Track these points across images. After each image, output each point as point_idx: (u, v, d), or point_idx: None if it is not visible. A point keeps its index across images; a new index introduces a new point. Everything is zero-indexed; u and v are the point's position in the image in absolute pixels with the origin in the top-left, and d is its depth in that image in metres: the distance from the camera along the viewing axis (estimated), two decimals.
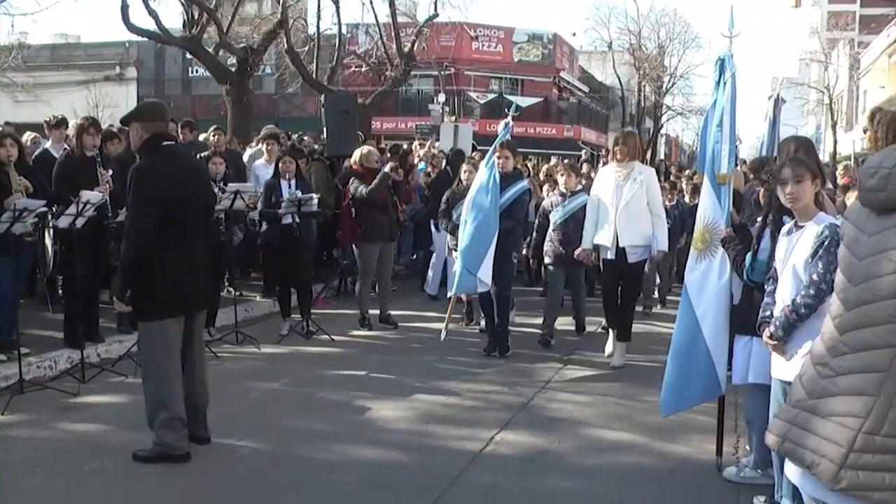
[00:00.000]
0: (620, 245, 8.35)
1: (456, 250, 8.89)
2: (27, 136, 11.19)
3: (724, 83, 5.68)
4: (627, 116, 52.08)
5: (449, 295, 8.96)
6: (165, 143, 5.77)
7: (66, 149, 9.13)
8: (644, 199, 8.38)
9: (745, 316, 5.28)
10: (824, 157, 39.64)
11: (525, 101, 44.57)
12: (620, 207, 8.32)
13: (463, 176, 9.87)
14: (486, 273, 8.34)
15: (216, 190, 9.04)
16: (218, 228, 8.98)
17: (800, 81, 55.61)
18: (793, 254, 4.65)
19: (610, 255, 8.48)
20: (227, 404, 6.75)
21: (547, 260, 9.77)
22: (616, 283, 8.74)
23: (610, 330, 9.02)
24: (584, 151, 28.55)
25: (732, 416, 5.96)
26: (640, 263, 8.70)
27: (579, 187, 9.65)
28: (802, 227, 4.67)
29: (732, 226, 5.59)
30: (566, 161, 10.53)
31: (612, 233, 8.36)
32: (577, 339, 9.86)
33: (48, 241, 8.49)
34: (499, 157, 8.63)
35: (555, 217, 9.49)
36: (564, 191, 9.58)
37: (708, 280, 5.57)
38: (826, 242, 4.43)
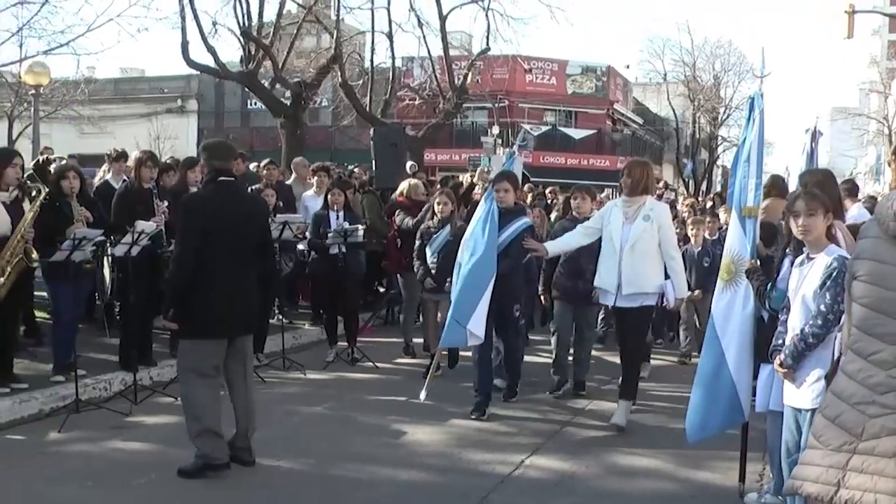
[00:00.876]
0: (623, 293, 7.37)
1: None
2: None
3: (753, 120, 5.93)
4: (682, 148, 51.94)
5: (433, 350, 8.33)
6: (222, 178, 6.15)
7: (125, 180, 9.56)
8: (654, 241, 7.38)
9: (768, 345, 5.43)
10: (885, 188, 39.13)
11: (579, 134, 44.84)
12: (626, 249, 7.35)
13: (437, 207, 9.11)
14: (477, 324, 7.38)
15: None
16: (273, 260, 9.35)
17: (859, 112, 55.01)
18: (803, 284, 4.83)
19: (610, 301, 7.60)
20: (271, 427, 7.06)
21: (554, 293, 8.82)
22: (620, 334, 7.92)
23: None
24: None
25: (762, 444, 6.04)
26: (646, 310, 7.59)
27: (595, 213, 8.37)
28: (814, 258, 4.85)
29: (759, 257, 5.79)
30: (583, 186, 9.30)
31: (616, 277, 7.39)
32: (612, 369, 8.95)
33: (106, 269, 8.89)
34: (497, 191, 7.78)
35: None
36: (577, 216, 8.68)
37: (732, 310, 5.74)
38: (834, 274, 4.60)
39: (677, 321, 10.96)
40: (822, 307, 4.64)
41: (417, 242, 9.26)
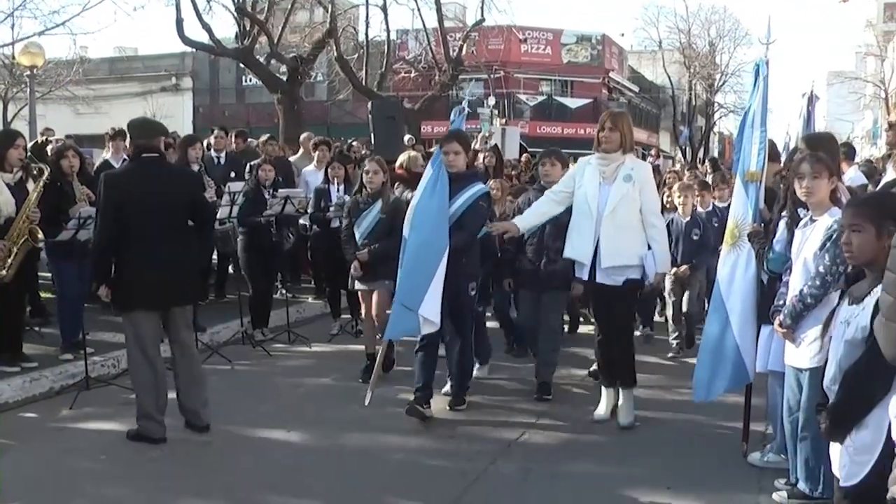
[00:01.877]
0: (603, 266, 6.43)
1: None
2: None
3: (758, 87, 6.00)
4: (679, 115, 51.89)
5: (383, 338, 7.11)
6: (145, 154, 6.33)
7: (124, 159, 9.60)
8: (636, 205, 6.43)
9: (768, 306, 5.48)
10: (881, 151, 39.12)
11: (575, 103, 44.81)
12: (606, 215, 6.39)
13: (366, 178, 7.85)
14: (430, 308, 6.37)
15: (266, 195, 9.53)
16: (269, 232, 9.46)
17: (855, 76, 54.90)
18: (805, 246, 4.91)
19: (585, 274, 6.62)
20: (277, 398, 7.18)
21: (516, 279, 7.70)
22: (603, 313, 6.82)
23: (601, 376, 7.08)
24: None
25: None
26: (632, 285, 6.58)
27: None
28: (816, 220, 4.92)
29: (763, 222, 5.86)
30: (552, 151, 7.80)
31: (591, 248, 6.46)
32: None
33: None
34: (446, 153, 6.68)
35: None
36: (545, 184, 7.31)
37: (735, 273, 5.83)
38: (835, 236, 4.66)
39: (653, 307, 10.03)
40: (821, 268, 4.71)
41: (345, 221, 8.14)
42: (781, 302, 5.05)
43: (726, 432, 6.38)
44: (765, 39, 6.16)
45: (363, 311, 8.27)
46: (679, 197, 9.35)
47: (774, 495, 5.26)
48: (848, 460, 3.50)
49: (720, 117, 59.31)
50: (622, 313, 6.75)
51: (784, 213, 5.35)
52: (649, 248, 6.51)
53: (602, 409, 6.86)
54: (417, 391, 6.74)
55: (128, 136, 6.62)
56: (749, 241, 5.74)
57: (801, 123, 8.90)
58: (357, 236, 7.88)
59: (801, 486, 5.08)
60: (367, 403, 6.67)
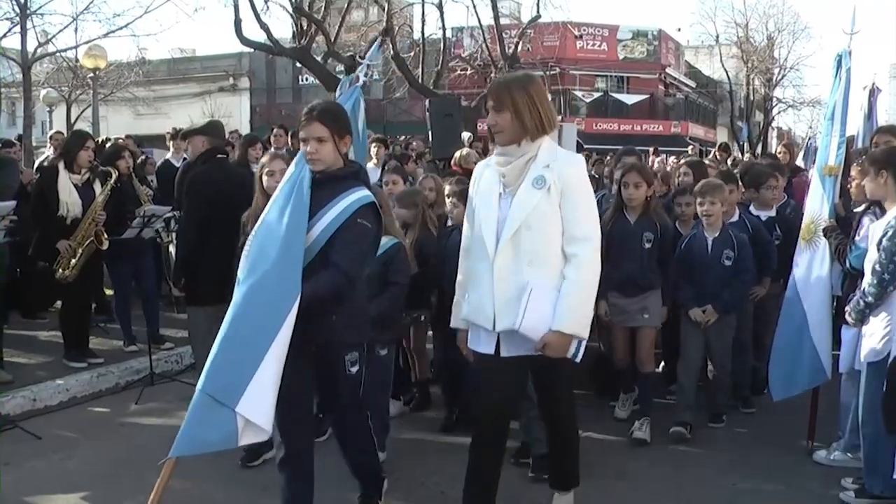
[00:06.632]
0: (498, 327, 4.09)
1: None
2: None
3: (840, 79, 5.90)
4: (736, 110, 51.21)
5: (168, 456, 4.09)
6: (219, 156, 6.58)
7: (184, 159, 9.74)
8: (555, 223, 4.08)
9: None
10: None
11: (631, 99, 44.50)
12: (503, 243, 4.07)
13: (264, 178, 5.48)
14: (257, 405, 3.90)
15: None
16: None
17: None
18: (873, 240, 4.83)
19: (486, 348, 4.24)
20: None
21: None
22: (504, 396, 4.35)
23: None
24: (691, 148, 28.32)
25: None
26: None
27: None
28: (884, 215, 4.86)
29: (837, 217, 5.76)
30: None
31: (491, 299, 4.09)
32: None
33: (172, 248, 9.09)
34: (305, 140, 4.18)
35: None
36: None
37: (812, 270, 5.76)
38: (891, 232, 4.58)
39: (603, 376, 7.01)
40: (878, 266, 4.62)
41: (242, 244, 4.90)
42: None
43: (791, 430, 6.25)
44: (849, 29, 6.03)
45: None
46: (702, 204, 6.20)
47: (842, 494, 5.17)
48: None
49: (779, 112, 58.39)
50: (555, 396, 4.51)
51: (871, 209, 5.25)
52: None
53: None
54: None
55: (199, 135, 6.71)
56: (825, 236, 5.65)
57: (862, 117, 8.70)
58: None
59: (867, 484, 5.01)
60: None
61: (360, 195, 4.14)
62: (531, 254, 4.04)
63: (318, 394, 4.48)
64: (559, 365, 4.18)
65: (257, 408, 3.91)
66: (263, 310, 3.94)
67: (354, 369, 4.31)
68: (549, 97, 4.19)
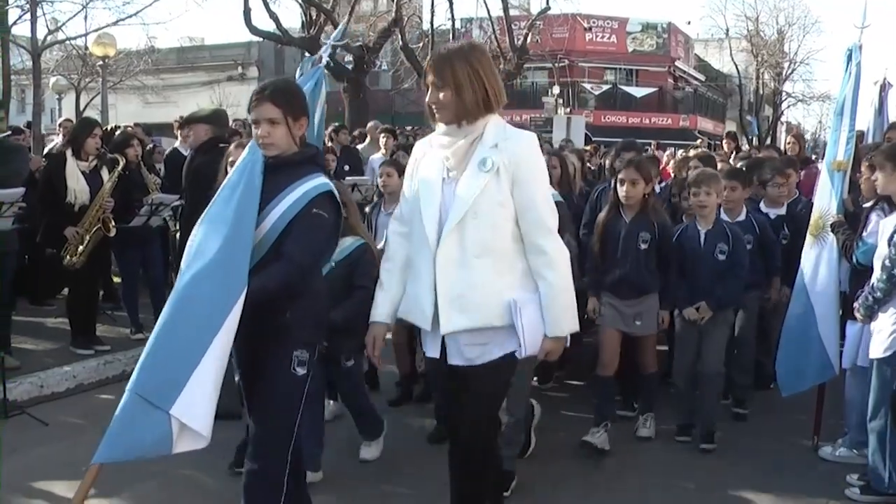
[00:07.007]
0: (443, 330, 3.63)
1: None
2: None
3: (850, 73, 5.88)
4: (745, 104, 51.03)
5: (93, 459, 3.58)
6: (221, 145, 6.36)
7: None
8: (504, 211, 3.60)
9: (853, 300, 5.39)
10: None
11: (640, 92, 44.40)
12: (445, 235, 3.60)
13: (229, 170, 4.40)
14: (195, 407, 3.49)
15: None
16: None
17: None
18: (883, 236, 4.82)
19: (431, 350, 3.79)
20: None
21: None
22: (456, 407, 3.86)
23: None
24: (700, 141, 28.24)
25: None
26: (501, 367, 3.69)
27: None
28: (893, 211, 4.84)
29: (845, 213, 5.74)
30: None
31: (431, 295, 3.64)
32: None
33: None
34: (256, 123, 3.78)
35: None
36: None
37: (819, 266, 5.75)
38: None
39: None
40: (887, 262, 4.61)
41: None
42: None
43: (796, 425, 6.25)
44: (859, 23, 6.01)
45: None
46: (696, 193, 5.89)
47: (847, 491, 5.17)
48: None
49: (788, 107, 58.21)
50: (473, 415, 3.78)
51: (880, 205, 5.24)
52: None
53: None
54: None
55: (204, 123, 6.69)
56: (832, 231, 5.63)
57: (872, 112, 8.66)
58: None
59: (873, 480, 5.01)
60: None
61: (316, 182, 3.76)
62: (479, 245, 3.56)
63: (246, 398, 4.00)
64: (498, 371, 3.70)
65: (194, 410, 3.47)
66: (205, 303, 3.58)
67: (301, 371, 3.81)
68: (497, 71, 3.79)
